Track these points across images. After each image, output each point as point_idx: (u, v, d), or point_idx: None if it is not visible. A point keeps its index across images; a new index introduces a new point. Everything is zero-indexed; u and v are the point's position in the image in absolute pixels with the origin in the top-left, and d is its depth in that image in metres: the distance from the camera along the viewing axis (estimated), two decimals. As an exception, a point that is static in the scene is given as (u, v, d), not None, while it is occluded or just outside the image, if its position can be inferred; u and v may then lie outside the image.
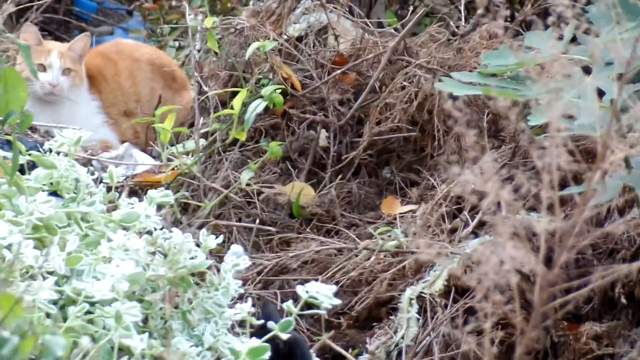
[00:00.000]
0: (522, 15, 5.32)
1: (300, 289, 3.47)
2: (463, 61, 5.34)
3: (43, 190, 4.05)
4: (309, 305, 3.46)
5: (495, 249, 2.13)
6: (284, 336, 3.37)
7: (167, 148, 5.39)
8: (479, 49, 5.37)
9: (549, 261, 2.23)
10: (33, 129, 5.39)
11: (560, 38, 4.02)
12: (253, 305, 3.49)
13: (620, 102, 2.50)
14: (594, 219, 4.44)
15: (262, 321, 3.43)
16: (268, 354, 3.32)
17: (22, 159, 3.94)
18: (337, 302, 3.51)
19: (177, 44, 6.70)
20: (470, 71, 4.86)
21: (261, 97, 5.21)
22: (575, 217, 2.18)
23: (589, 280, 2.39)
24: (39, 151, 4.25)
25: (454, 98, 5.10)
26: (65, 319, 3.51)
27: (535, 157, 2.20)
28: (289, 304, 3.46)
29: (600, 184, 2.34)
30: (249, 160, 5.31)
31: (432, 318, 4.56)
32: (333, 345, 4.53)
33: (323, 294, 3.47)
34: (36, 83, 5.42)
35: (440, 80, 5.08)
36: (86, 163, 5.04)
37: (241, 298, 3.97)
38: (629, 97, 2.65)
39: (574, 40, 4.02)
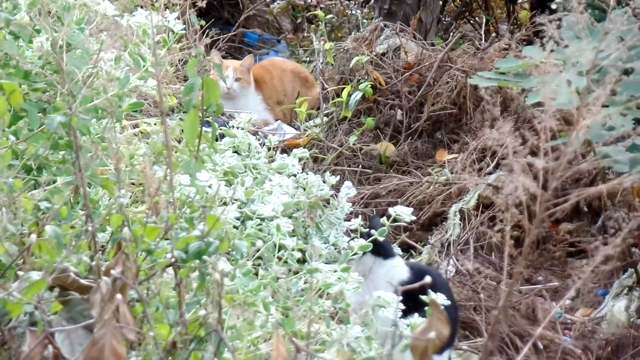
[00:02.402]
0: (519, 36, 5.25)
1: (391, 210, 3.46)
2: (484, 65, 5.30)
3: (229, 151, 4.07)
4: (394, 220, 3.45)
5: (511, 179, 2.11)
6: (381, 238, 3.35)
7: (304, 123, 5.40)
8: (494, 57, 5.33)
9: (544, 187, 2.20)
10: (222, 114, 5.42)
11: (544, 50, 3.97)
12: (359, 219, 3.48)
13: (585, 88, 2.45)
14: (572, 160, 4.40)
15: (367, 229, 3.41)
16: (370, 249, 3.31)
17: (216, 132, 3.96)
18: (413, 218, 3.50)
19: (308, 59, 6.68)
20: (489, 71, 4.81)
21: (359, 90, 5.21)
22: (561, 158, 2.15)
23: (568, 198, 2.35)
24: (226, 127, 4.27)
25: (478, 88, 5.09)
26: (245, 229, 3.53)
27: (536, 122, 2.16)
28: (384, 220, 3.45)
29: (575, 139, 2.30)
30: (354, 129, 5.32)
31: (468, 223, 4.54)
32: (408, 240, 4.53)
33: (404, 213, 3.46)
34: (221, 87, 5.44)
35: (470, 77, 5.06)
36: (254, 133, 5.06)
37: (351, 214, 3.98)
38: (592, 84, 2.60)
39: (552, 50, 3.96)
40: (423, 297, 2.99)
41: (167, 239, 2.44)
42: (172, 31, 3.10)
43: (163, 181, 2.66)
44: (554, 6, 5.49)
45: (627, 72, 3.71)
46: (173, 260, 2.38)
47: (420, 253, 4.44)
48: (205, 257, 2.33)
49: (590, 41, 3.84)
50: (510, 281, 2.28)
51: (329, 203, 4.07)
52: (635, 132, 3.29)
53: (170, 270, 2.46)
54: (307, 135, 5.30)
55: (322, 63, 5.72)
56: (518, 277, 2.30)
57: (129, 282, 2.14)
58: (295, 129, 5.52)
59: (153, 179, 2.69)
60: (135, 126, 4.14)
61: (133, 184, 2.97)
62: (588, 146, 4.41)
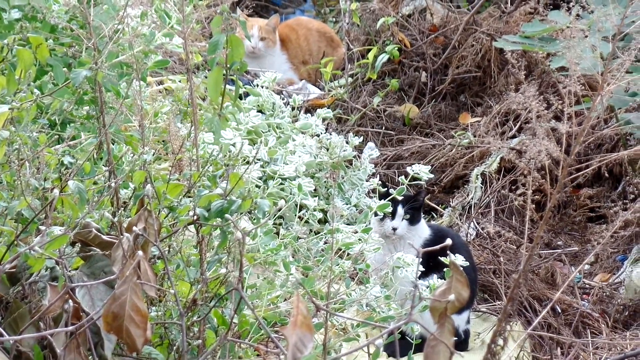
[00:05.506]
0: (545, 0, 5.19)
1: (409, 169, 3.42)
2: (509, 29, 5.23)
3: (253, 109, 4.03)
4: (414, 179, 3.41)
5: (534, 142, 2.06)
6: (399, 197, 3.31)
7: (328, 83, 5.35)
8: (519, 21, 5.27)
9: (567, 151, 2.16)
10: (247, 72, 5.37)
11: (570, 14, 3.92)
12: (380, 179, 3.43)
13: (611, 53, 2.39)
14: (595, 126, 4.35)
15: (385, 189, 3.37)
16: (390, 209, 3.27)
17: (240, 90, 3.92)
18: (431, 176, 3.46)
19: (334, 19, 6.61)
20: (515, 34, 4.75)
21: (385, 52, 5.15)
22: (584, 123, 2.10)
23: (590, 164, 2.30)
24: (251, 86, 4.23)
25: (503, 52, 5.03)
26: (267, 189, 3.50)
27: (560, 87, 2.11)
28: (402, 178, 3.41)
29: (599, 104, 2.25)
30: (378, 90, 5.26)
31: (490, 186, 4.50)
32: (430, 202, 4.49)
33: (422, 171, 3.41)
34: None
35: (496, 40, 5.00)
36: (279, 92, 5.01)
37: (373, 175, 3.94)
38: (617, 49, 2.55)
39: (578, 15, 3.92)
40: (442, 259, 2.96)
41: (189, 197, 2.42)
42: (198, -12, 3.05)
43: (187, 139, 2.63)
44: (580, -29, 5.40)
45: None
46: (195, 218, 2.35)
47: (441, 215, 4.41)
48: (227, 215, 2.30)
49: (616, 7, 3.77)
50: (530, 245, 2.24)
51: (351, 164, 4.03)
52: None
53: (192, 228, 2.44)
54: (332, 96, 5.25)
55: (348, 23, 5.65)
56: (538, 241, 2.26)
57: (151, 239, 2.11)
58: (320, 89, 5.47)
59: (177, 136, 2.66)
60: (160, 83, 4.10)
61: (157, 141, 2.94)
62: (611, 112, 4.36)
